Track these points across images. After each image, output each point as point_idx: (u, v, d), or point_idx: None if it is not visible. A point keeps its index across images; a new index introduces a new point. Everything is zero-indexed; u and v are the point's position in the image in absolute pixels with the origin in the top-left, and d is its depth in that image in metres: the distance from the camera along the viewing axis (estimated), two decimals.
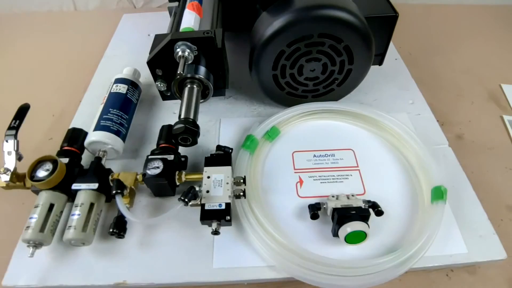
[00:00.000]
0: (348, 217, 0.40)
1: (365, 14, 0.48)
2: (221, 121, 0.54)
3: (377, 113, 0.51)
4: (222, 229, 0.42)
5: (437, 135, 0.54)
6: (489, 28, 0.84)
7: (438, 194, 0.43)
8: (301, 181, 0.47)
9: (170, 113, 0.57)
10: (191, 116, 0.43)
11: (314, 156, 0.50)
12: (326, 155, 0.50)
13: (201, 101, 0.48)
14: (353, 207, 0.41)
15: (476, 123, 0.62)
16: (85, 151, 0.49)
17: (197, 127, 0.42)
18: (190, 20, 0.48)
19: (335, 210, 0.41)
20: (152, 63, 0.47)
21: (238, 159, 0.47)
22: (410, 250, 0.39)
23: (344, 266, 0.38)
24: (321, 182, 0.47)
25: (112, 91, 0.53)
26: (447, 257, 0.41)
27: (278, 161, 0.49)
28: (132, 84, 0.55)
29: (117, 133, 0.49)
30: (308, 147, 0.51)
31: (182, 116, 0.43)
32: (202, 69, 0.48)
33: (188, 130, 0.41)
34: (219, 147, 0.47)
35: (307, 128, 0.53)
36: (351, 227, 0.39)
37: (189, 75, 0.46)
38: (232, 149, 0.48)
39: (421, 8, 0.90)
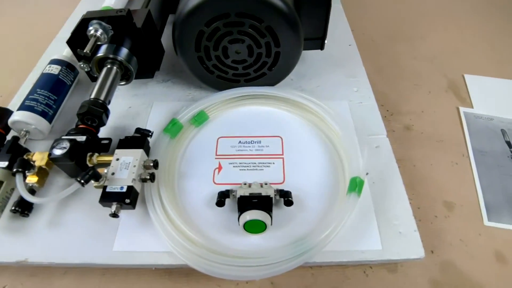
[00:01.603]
0: (249, 205, 0.38)
1: None
2: (153, 105, 0.53)
3: (308, 99, 0.49)
4: (129, 213, 0.41)
5: (376, 125, 0.51)
6: (462, 16, 0.80)
7: (353, 186, 0.41)
8: (220, 168, 0.46)
9: None
10: (102, 98, 0.42)
11: (240, 142, 0.48)
12: (252, 142, 0.48)
13: (122, 83, 0.47)
14: (257, 196, 0.39)
15: (429, 114, 0.59)
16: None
17: (104, 108, 0.41)
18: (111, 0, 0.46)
19: (239, 198, 0.39)
20: (71, 43, 0.46)
21: (156, 142, 0.46)
22: (312, 242, 0.37)
23: (238, 256, 0.37)
24: (240, 169, 0.46)
25: (44, 71, 0.52)
26: (358, 253, 0.40)
27: (201, 147, 0.48)
28: (68, 66, 0.55)
29: (42, 113, 0.49)
30: (235, 133, 0.49)
31: (92, 97, 0.42)
32: (124, 51, 0.46)
33: (91, 111, 0.40)
34: (138, 130, 0.46)
35: (238, 113, 0.52)
36: (250, 215, 0.38)
37: (108, 56, 0.45)
38: (151, 132, 0.46)
39: None
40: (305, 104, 0.49)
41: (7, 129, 0.48)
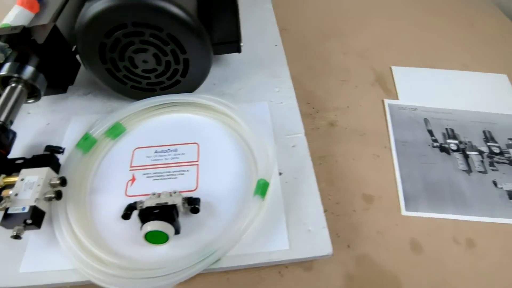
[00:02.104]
0: (150, 216, 0.38)
1: None
2: (72, 120, 0.52)
3: (220, 102, 0.49)
4: (37, 233, 0.41)
5: (294, 124, 0.51)
6: (394, 7, 0.81)
7: (258, 187, 0.41)
8: (133, 179, 0.45)
9: (24, 113, 0.55)
10: (1, 118, 0.41)
11: (156, 152, 0.48)
12: (168, 150, 0.48)
13: (30, 101, 0.46)
14: (159, 206, 0.39)
15: (354, 108, 0.59)
16: None
17: (3, 129, 0.40)
18: (11, 16, 0.46)
19: (140, 210, 0.39)
20: None
21: (67, 159, 0.45)
22: (214, 247, 0.37)
23: (142, 268, 0.37)
24: (154, 180, 0.45)
25: None
26: (266, 254, 0.40)
27: (116, 160, 0.48)
28: None
29: None
30: (152, 143, 0.49)
31: None
32: (28, 69, 0.45)
33: None
34: (47, 148, 0.45)
35: (156, 123, 0.51)
36: (150, 226, 0.38)
37: (11, 75, 0.44)
38: (63, 149, 0.46)
39: None
40: (218, 107, 0.49)
41: None
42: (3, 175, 0.43)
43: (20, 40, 0.43)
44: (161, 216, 0.38)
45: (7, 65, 0.45)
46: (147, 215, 0.38)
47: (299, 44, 0.70)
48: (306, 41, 0.71)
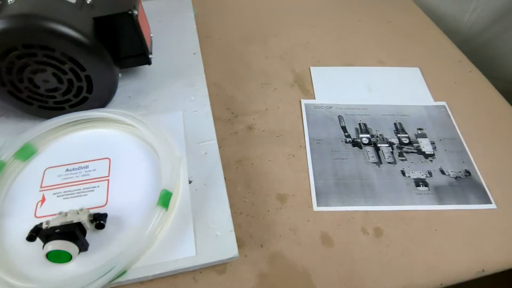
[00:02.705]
0: (51, 236, 0.38)
1: (99, 15, 0.46)
2: None
3: (128, 115, 0.49)
4: None
5: (208, 131, 0.53)
6: (313, 11, 0.84)
7: (160, 198, 0.42)
8: (43, 200, 0.45)
9: None
10: None
11: (67, 170, 0.48)
12: (80, 168, 0.48)
13: None
14: (60, 225, 0.39)
15: (273, 111, 0.61)
16: None
17: None
18: None
19: (41, 230, 0.39)
20: None
21: None
22: (117, 260, 0.38)
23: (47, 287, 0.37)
24: (64, 198, 0.45)
25: None
26: (172, 263, 0.41)
27: (26, 182, 0.47)
28: None
29: None
30: (63, 161, 0.49)
31: None
32: None
33: None
34: None
35: (68, 140, 0.51)
36: (51, 246, 0.38)
37: None
38: None
39: None
40: (127, 121, 0.49)
41: None
42: None
43: None
44: (63, 235, 0.38)
45: None
46: (48, 235, 0.38)
47: (222, 50, 0.71)
48: (229, 47, 0.73)
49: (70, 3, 0.47)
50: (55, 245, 0.38)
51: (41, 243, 0.40)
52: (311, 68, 0.68)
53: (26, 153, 0.48)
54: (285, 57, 0.70)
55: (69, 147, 0.50)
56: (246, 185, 0.51)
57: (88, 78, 0.47)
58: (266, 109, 0.61)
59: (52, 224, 0.40)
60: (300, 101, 0.62)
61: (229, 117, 0.59)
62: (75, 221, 0.41)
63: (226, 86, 0.64)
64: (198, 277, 0.43)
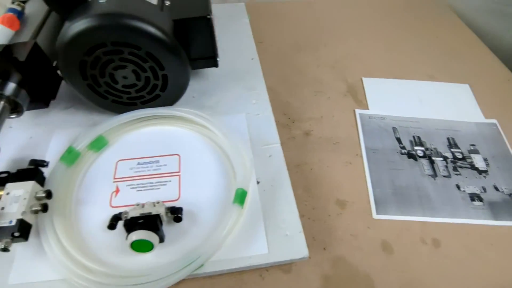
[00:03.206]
0: (135, 226, 0.40)
1: (177, 17, 0.48)
2: (54, 133, 0.53)
3: (198, 115, 0.51)
4: (25, 245, 0.41)
5: (271, 134, 0.54)
6: (366, 21, 0.86)
7: (236, 196, 0.43)
8: (117, 191, 0.47)
9: (6, 127, 0.55)
10: None
11: (138, 163, 0.50)
12: (150, 162, 0.50)
13: (13, 116, 0.47)
14: (143, 216, 0.41)
15: (328, 118, 0.63)
16: None
17: None
18: None
19: (125, 220, 0.41)
20: None
21: (52, 173, 0.47)
22: (197, 253, 0.39)
23: (128, 276, 0.39)
24: (137, 190, 0.47)
25: None
26: (246, 259, 0.42)
27: (99, 172, 0.49)
28: None
29: None
30: (134, 155, 0.50)
31: None
32: (10, 85, 0.47)
33: None
34: (32, 161, 0.47)
35: (137, 135, 0.53)
36: (136, 235, 0.39)
37: None
38: (47, 162, 0.47)
39: (302, 5, 0.90)
40: (197, 120, 0.51)
41: None
42: None
43: (1, 58, 0.44)
44: (145, 225, 0.40)
45: None
46: (132, 225, 0.40)
47: (274, 57, 0.73)
48: (281, 53, 0.75)
49: (153, 4, 0.49)
50: (140, 234, 0.39)
51: (118, 231, 0.42)
52: (363, 79, 0.69)
53: (99, 144, 0.50)
54: (336, 67, 0.72)
55: (139, 142, 0.52)
56: (306, 189, 0.53)
57: (164, 77, 0.49)
58: (321, 117, 0.62)
59: (131, 215, 0.42)
60: (354, 110, 0.64)
61: (286, 122, 0.61)
62: (153, 213, 0.42)
63: (281, 92, 0.66)
64: (265, 275, 0.44)
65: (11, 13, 0.50)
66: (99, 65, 0.46)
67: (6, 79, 0.47)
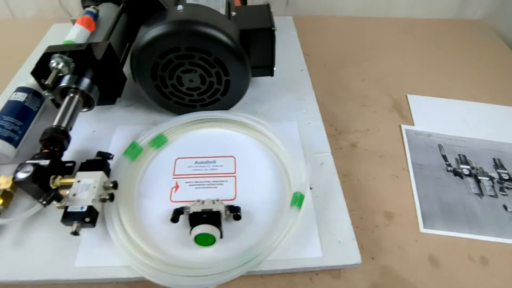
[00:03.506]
0: (199, 220, 0.42)
1: (243, 27, 0.50)
2: (117, 129, 0.57)
3: (256, 121, 0.54)
4: (90, 231, 0.44)
5: (322, 143, 0.56)
6: (409, 40, 0.87)
7: (295, 200, 0.45)
8: (177, 186, 0.49)
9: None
10: (63, 125, 0.46)
11: (196, 162, 0.52)
12: (208, 162, 0.52)
13: (84, 110, 0.51)
14: (207, 211, 0.43)
15: (374, 132, 0.64)
16: None
17: (65, 134, 0.45)
18: (73, 34, 0.51)
19: (190, 214, 0.43)
20: (35, 74, 0.49)
21: (116, 165, 0.49)
22: (254, 253, 0.41)
23: (189, 267, 0.41)
24: (195, 188, 0.49)
25: (10, 99, 0.56)
26: (300, 261, 0.44)
27: (160, 168, 0.52)
28: (35, 93, 0.58)
29: (7, 139, 0.52)
30: (192, 154, 0.53)
31: (54, 124, 0.46)
32: (85, 81, 0.50)
33: (52, 137, 0.43)
34: (99, 153, 0.49)
35: (195, 136, 0.56)
36: (200, 229, 0.41)
37: (70, 86, 0.49)
38: (112, 155, 0.50)
39: (347, 20, 0.93)
40: (254, 125, 0.53)
41: None
42: (59, 176, 0.47)
43: (83, 56, 0.48)
44: (209, 220, 0.42)
45: (67, 77, 0.49)
46: (196, 219, 0.42)
47: (320, 69, 0.75)
48: (326, 66, 0.77)
49: (221, 14, 0.52)
50: (205, 228, 0.41)
51: (178, 224, 0.44)
52: (408, 95, 0.70)
53: (159, 142, 0.53)
54: (381, 82, 0.74)
55: (197, 142, 0.55)
56: (354, 198, 0.54)
57: (227, 82, 0.52)
58: (368, 130, 0.64)
59: (192, 210, 0.44)
60: (400, 126, 0.65)
61: (333, 133, 0.63)
62: (214, 209, 0.44)
63: (328, 104, 0.68)
64: (315, 278, 0.46)
65: (88, 15, 0.54)
66: (169, 68, 0.49)
67: (81, 75, 0.50)
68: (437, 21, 0.95)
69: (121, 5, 0.62)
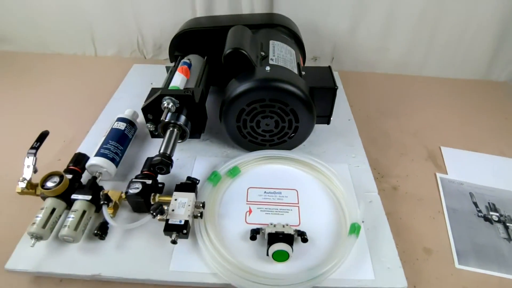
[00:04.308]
0: (277, 239, 0.52)
1: (311, 85, 0.62)
2: (196, 158, 0.68)
3: (318, 162, 0.64)
4: (181, 241, 0.54)
5: (369, 184, 0.66)
6: (441, 97, 0.99)
7: (353, 229, 0.54)
8: (250, 211, 0.59)
9: (157, 148, 0.70)
10: (168, 152, 0.57)
11: (265, 192, 0.62)
12: (274, 192, 0.62)
13: (179, 141, 0.62)
14: (283, 233, 0.53)
15: (412, 177, 0.74)
16: (86, 172, 0.62)
17: (171, 160, 0.56)
18: (177, 80, 0.63)
19: (269, 234, 0.53)
20: (145, 110, 0.62)
21: (202, 189, 0.60)
22: (321, 270, 0.50)
23: (268, 277, 0.50)
24: (266, 213, 0.59)
25: (113, 127, 0.68)
26: (356, 281, 0.52)
27: (235, 194, 0.62)
28: (130, 123, 0.70)
29: (112, 160, 0.63)
30: (261, 185, 0.63)
31: (161, 151, 0.57)
32: (182, 118, 0.62)
33: (163, 162, 0.54)
34: (188, 178, 0.60)
35: (263, 170, 0.66)
36: (278, 246, 0.51)
37: (171, 121, 0.61)
38: (199, 180, 0.60)
39: (385, 77, 1.05)
40: (315, 165, 0.64)
41: (83, 170, 0.62)
42: (158, 194, 0.58)
43: (186, 99, 0.60)
44: (284, 240, 0.51)
45: (169, 114, 0.61)
46: (274, 238, 0.52)
47: (363, 119, 0.86)
48: (368, 117, 0.88)
49: (295, 73, 0.64)
50: (282, 246, 0.51)
51: (254, 242, 0.54)
52: (442, 147, 0.80)
53: (234, 172, 0.64)
54: (417, 134, 0.84)
55: (264, 175, 0.65)
56: (397, 234, 0.62)
57: (296, 128, 0.63)
58: (407, 175, 0.74)
59: (267, 231, 0.54)
60: (435, 174, 0.74)
61: (376, 176, 0.72)
62: (286, 232, 0.54)
63: (371, 150, 0.78)
64: None
65: (186, 66, 0.67)
66: (252, 114, 0.61)
67: (180, 113, 0.62)
68: (466, 81, 1.06)
69: (205, 58, 0.75)
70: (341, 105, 0.84)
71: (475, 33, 0.96)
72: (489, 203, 0.69)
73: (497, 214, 0.67)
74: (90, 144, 0.70)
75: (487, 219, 0.66)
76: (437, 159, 0.78)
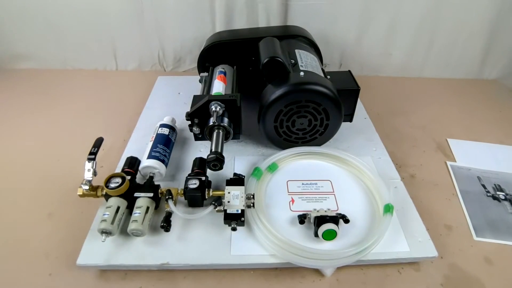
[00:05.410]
0: (325, 221, 0.59)
1: (337, 87, 0.71)
2: (235, 158, 0.75)
3: (348, 155, 0.72)
4: (238, 228, 0.61)
5: (392, 173, 0.74)
6: (442, 96, 1.09)
7: (387, 209, 0.62)
8: (292, 200, 0.67)
9: (196, 150, 0.78)
10: (219, 150, 0.64)
11: (303, 184, 0.70)
12: (311, 184, 0.70)
13: (224, 142, 0.69)
14: (329, 216, 0.60)
15: (426, 166, 0.82)
16: (138, 173, 0.69)
17: (223, 157, 0.63)
18: (219, 87, 0.71)
19: (316, 217, 0.60)
20: (192, 115, 0.69)
21: (248, 183, 0.67)
22: (364, 245, 0.58)
23: (320, 253, 0.57)
24: (307, 202, 0.67)
25: (158, 132, 0.75)
26: (394, 253, 0.60)
27: (276, 186, 0.69)
28: (171, 128, 0.77)
29: (162, 161, 0.70)
30: (298, 178, 0.71)
31: (213, 150, 0.64)
32: (226, 120, 0.69)
33: (218, 159, 0.61)
34: (235, 174, 0.67)
35: (298, 164, 0.74)
36: (327, 226, 0.58)
37: (217, 123, 0.68)
38: (244, 176, 0.68)
39: (389, 79, 1.15)
40: (345, 158, 0.72)
41: (136, 172, 0.69)
42: (211, 189, 0.64)
43: (231, 103, 0.68)
44: (331, 221, 0.59)
45: (214, 117, 0.68)
46: (322, 220, 0.59)
47: (375, 117, 0.95)
48: (379, 116, 0.97)
49: (323, 77, 0.72)
50: (331, 226, 0.58)
51: (300, 226, 0.61)
52: (448, 139, 0.90)
53: (273, 168, 0.71)
54: (425, 129, 0.94)
55: (300, 169, 0.73)
56: (420, 214, 0.71)
57: (326, 126, 0.71)
58: (421, 165, 0.83)
59: (313, 215, 0.61)
60: (445, 162, 0.84)
61: (394, 166, 0.81)
62: (330, 215, 0.61)
63: (386, 144, 0.86)
64: (401, 271, 0.61)
65: (222, 74, 0.75)
66: (289, 114, 0.69)
67: (223, 116, 0.70)
68: (461, 80, 1.17)
69: (235, 67, 0.83)
70: (357, 105, 0.93)
71: (467, 37, 1.07)
72: (495, 184, 0.79)
73: (503, 193, 0.76)
74: (132, 150, 0.76)
75: (495, 198, 0.75)
76: (445, 150, 0.87)
